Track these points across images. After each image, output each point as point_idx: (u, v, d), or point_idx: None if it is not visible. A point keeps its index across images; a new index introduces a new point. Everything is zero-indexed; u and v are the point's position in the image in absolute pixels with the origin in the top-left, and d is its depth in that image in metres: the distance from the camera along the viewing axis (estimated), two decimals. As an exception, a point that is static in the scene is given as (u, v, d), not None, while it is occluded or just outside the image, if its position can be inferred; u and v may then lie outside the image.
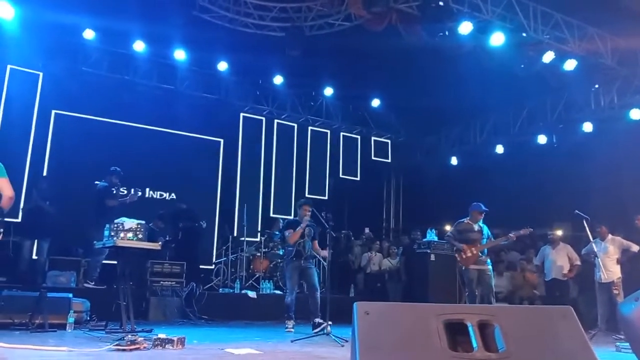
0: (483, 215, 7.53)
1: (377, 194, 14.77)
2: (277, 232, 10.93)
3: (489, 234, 7.60)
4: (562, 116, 10.94)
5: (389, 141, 14.75)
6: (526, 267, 10.35)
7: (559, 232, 9.06)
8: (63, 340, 5.03)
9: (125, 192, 8.82)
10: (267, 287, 9.68)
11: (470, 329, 2.16)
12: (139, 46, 10.34)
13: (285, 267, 7.15)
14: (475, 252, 7.32)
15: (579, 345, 2.22)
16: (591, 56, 9.40)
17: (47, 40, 9.87)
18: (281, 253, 10.46)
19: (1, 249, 8.05)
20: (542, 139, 11.39)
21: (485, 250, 7.50)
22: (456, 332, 2.17)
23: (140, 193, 8.30)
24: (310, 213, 7.14)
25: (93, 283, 8.07)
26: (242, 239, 10.35)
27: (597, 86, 10.35)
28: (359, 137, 14.29)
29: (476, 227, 7.47)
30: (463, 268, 7.47)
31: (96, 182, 8.69)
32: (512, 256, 10.71)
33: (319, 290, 7.04)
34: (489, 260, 7.49)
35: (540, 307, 2.53)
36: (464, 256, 7.35)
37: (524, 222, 7.85)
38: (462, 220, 7.62)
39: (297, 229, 7.05)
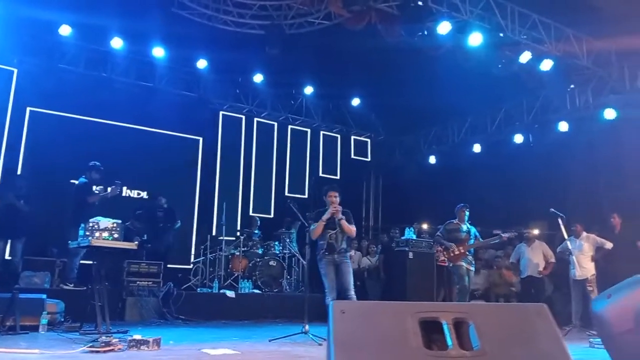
0: (466, 211, 7.78)
1: (357, 192, 14.77)
2: (256, 231, 10.89)
3: (477, 234, 7.85)
4: (538, 116, 11.08)
5: (368, 140, 14.81)
6: (502, 264, 10.48)
7: (535, 230, 9.19)
8: (35, 343, 4.93)
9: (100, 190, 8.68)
10: (245, 287, 9.63)
11: (445, 327, 2.15)
12: (117, 43, 10.17)
13: (318, 264, 6.19)
14: (463, 250, 7.61)
15: (553, 342, 2.24)
16: (567, 57, 9.53)
17: (22, 36, 9.68)
18: (260, 252, 10.43)
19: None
20: (518, 139, 11.53)
21: (472, 251, 7.77)
22: (431, 331, 2.17)
23: (120, 185, 8.08)
24: (338, 199, 6.12)
25: (72, 285, 7.92)
26: (221, 238, 10.26)
27: (572, 86, 10.49)
28: (338, 136, 14.31)
29: (464, 228, 7.75)
30: (451, 265, 7.69)
31: (73, 181, 8.52)
32: (489, 254, 10.82)
33: (351, 291, 5.96)
34: (473, 262, 7.82)
35: (515, 305, 2.55)
36: (452, 254, 7.62)
37: (501, 220, 8.01)
38: (451, 220, 7.89)
39: (320, 220, 6.05)
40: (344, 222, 6.03)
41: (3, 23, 9.02)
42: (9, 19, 8.95)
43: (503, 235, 7.88)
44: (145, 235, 9.39)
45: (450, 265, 7.76)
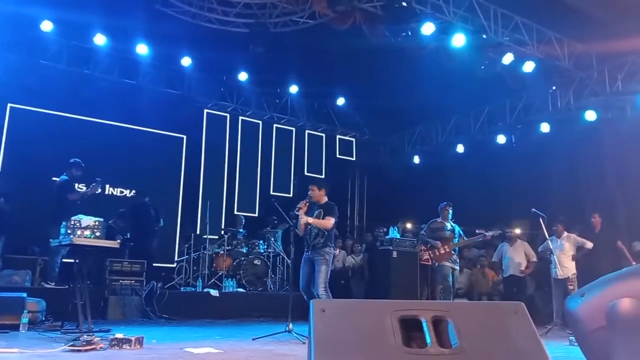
0: (450, 209, 7.84)
1: (342, 191, 14.81)
2: (241, 230, 10.88)
3: (461, 233, 7.91)
4: (521, 117, 11.21)
5: (353, 139, 14.85)
6: (485, 263, 10.60)
7: (517, 230, 9.30)
8: (15, 342, 4.87)
9: (84, 188, 8.61)
10: (229, 286, 9.62)
11: (424, 324, 2.18)
12: (100, 40, 10.07)
13: None
14: (448, 249, 7.65)
15: (529, 340, 2.28)
16: (549, 59, 9.67)
17: (2, 31, 9.51)
18: (244, 251, 10.41)
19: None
20: (501, 139, 11.66)
21: (457, 250, 7.84)
22: (411, 328, 2.19)
23: (100, 183, 8.00)
24: (315, 192, 6.15)
25: (54, 283, 7.84)
26: (205, 236, 10.23)
27: (554, 88, 10.64)
28: (324, 135, 14.33)
29: (448, 226, 7.80)
30: (437, 264, 7.73)
31: (54, 179, 8.44)
32: (472, 253, 10.93)
33: (320, 289, 5.92)
34: (458, 261, 7.86)
35: (493, 303, 2.60)
36: (437, 253, 7.67)
37: (484, 220, 8.10)
38: (435, 219, 7.94)
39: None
40: (311, 220, 6.00)
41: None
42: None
43: (487, 234, 7.97)
44: (128, 234, 9.31)
45: (436, 264, 7.80)
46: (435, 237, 7.76)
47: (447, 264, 7.62)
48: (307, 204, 6.14)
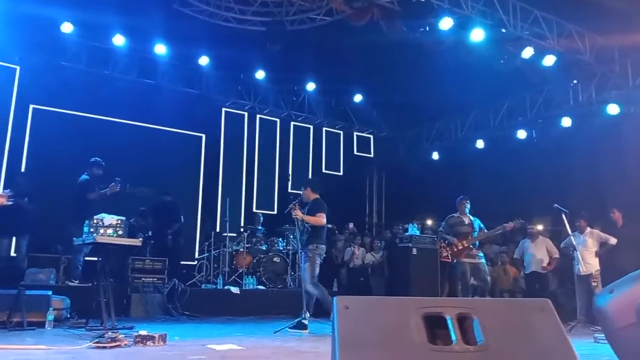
0: (467, 203, 7.70)
1: (360, 188, 14.81)
2: (259, 228, 10.93)
3: (482, 226, 7.74)
4: (541, 111, 11.07)
5: (371, 136, 14.81)
6: (506, 260, 10.50)
7: (539, 226, 9.19)
8: (42, 339, 4.96)
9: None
10: (250, 283, 9.67)
11: (449, 322, 2.17)
12: (119, 40, 10.20)
13: None
14: (466, 245, 7.50)
15: (556, 337, 2.25)
16: (569, 52, 9.53)
17: (24, 33, 9.68)
18: (264, 248, 10.46)
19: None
20: (521, 134, 11.53)
21: (477, 243, 7.67)
22: (435, 326, 2.18)
23: (120, 182, 8.07)
24: (304, 191, 6.57)
25: (77, 281, 7.96)
26: (225, 234, 10.30)
27: (575, 82, 10.49)
28: (341, 132, 14.31)
29: (466, 221, 7.65)
30: (455, 261, 7.61)
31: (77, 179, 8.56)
32: (493, 250, 10.84)
33: (306, 285, 6.30)
34: (481, 253, 7.68)
35: (519, 300, 2.56)
36: (455, 249, 7.53)
37: (504, 216, 7.99)
38: (452, 214, 7.82)
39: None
40: (304, 216, 6.25)
41: (5, 21, 9.02)
42: (10, 16, 8.95)
43: (507, 225, 7.76)
44: (150, 232, 9.41)
45: (454, 261, 7.72)
46: (454, 233, 7.64)
47: (466, 260, 7.48)
48: (297, 204, 6.33)
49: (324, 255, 6.49)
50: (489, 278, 7.60)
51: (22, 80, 10.22)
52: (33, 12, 8.76)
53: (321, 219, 6.26)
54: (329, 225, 11.79)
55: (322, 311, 6.29)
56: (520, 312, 2.34)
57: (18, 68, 10.23)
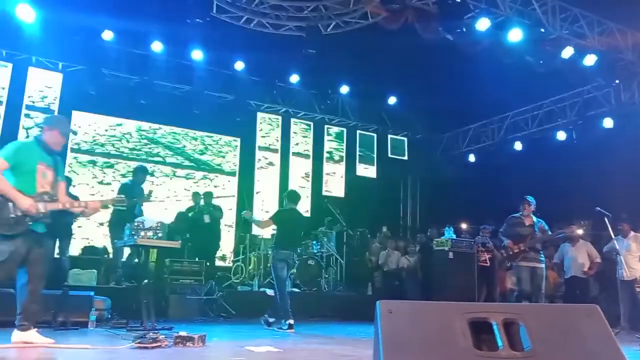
0: (532, 207, 7.23)
1: (394, 191, 14.72)
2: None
3: (545, 227, 7.26)
4: (581, 112, 10.83)
5: (405, 139, 14.72)
6: (547, 264, 10.24)
7: (579, 230, 8.94)
8: (85, 338, 5.10)
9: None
10: (284, 285, 9.70)
11: (495, 327, 2.15)
12: (157, 47, 10.43)
13: None
14: (522, 248, 7.02)
15: (606, 344, 2.20)
16: (611, 51, 9.29)
17: (66, 41, 10.00)
18: (298, 251, 10.48)
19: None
20: (561, 136, 11.29)
21: (538, 246, 7.18)
22: (481, 331, 2.16)
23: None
24: None
25: (118, 282, 8.14)
26: (260, 237, 10.39)
27: (617, 81, 10.21)
28: (375, 134, 14.27)
29: (527, 222, 7.16)
30: (513, 265, 7.29)
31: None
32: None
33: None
34: (542, 257, 7.16)
35: (566, 306, 2.51)
36: (510, 253, 7.13)
37: (545, 220, 7.71)
38: (514, 214, 7.36)
39: None
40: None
41: (48, 30, 9.32)
42: (54, 25, 9.25)
43: (567, 229, 7.33)
44: (188, 234, 9.56)
45: (513, 265, 7.26)
46: (512, 233, 7.15)
47: (522, 263, 7.01)
48: None
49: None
50: (543, 284, 7.08)
51: (65, 87, 10.56)
52: (75, 21, 9.02)
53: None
54: (360, 229, 11.82)
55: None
56: (568, 318, 2.29)
57: (61, 75, 10.57)
